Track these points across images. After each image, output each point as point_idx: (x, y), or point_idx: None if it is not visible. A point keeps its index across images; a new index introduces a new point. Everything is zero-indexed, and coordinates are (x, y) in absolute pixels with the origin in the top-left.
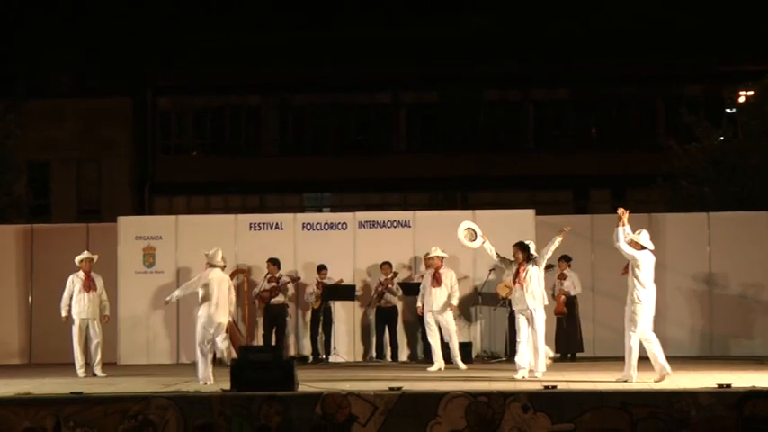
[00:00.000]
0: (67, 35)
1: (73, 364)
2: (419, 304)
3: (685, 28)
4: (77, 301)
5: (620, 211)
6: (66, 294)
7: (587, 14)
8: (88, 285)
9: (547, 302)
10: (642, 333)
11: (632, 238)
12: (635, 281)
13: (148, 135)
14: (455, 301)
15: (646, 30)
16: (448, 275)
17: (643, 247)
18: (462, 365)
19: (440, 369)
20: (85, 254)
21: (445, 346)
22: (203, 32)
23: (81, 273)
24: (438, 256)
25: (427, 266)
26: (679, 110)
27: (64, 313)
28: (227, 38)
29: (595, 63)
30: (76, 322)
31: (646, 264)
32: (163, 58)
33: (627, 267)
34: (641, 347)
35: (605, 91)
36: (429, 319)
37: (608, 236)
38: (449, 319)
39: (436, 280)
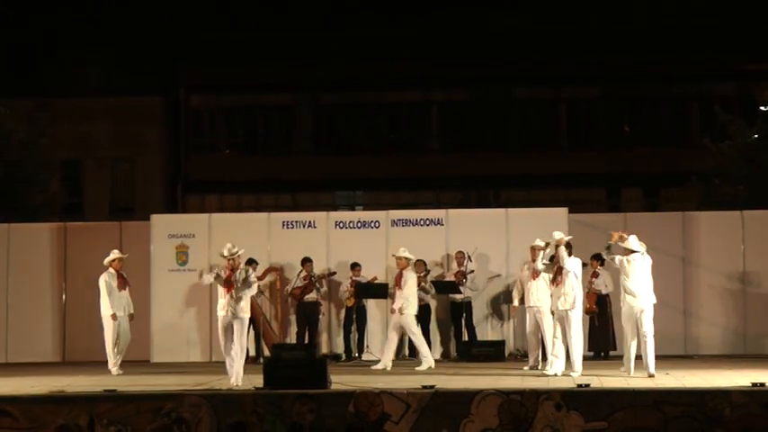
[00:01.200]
0: (98, 33)
1: (106, 362)
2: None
3: (715, 26)
4: (115, 299)
5: (615, 236)
6: (105, 294)
7: (619, 12)
8: (123, 283)
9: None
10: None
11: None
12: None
13: (181, 133)
14: (410, 310)
15: (678, 27)
16: (409, 279)
17: (633, 251)
18: (424, 367)
19: (385, 369)
20: (115, 253)
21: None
22: (236, 30)
23: (112, 271)
24: (403, 258)
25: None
26: (713, 108)
27: (112, 311)
28: (259, 35)
29: (628, 61)
30: (112, 320)
31: (633, 269)
32: (195, 56)
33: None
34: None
35: (638, 89)
36: (394, 319)
37: (641, 234)
38: (408, 320)
39: (398, 282)
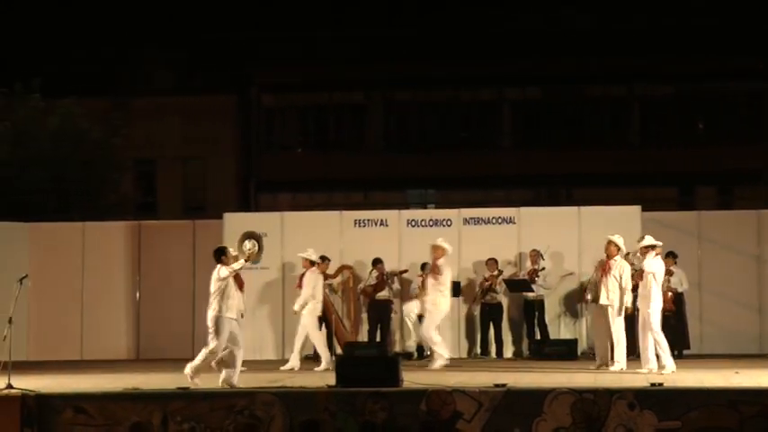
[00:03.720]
0: (172, 33)
1: (179, 360)
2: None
3: None
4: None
5: None
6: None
7: (695, 10)
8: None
9: (627, 302)
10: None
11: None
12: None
13: (253, 132)
14: (310, 310)
15: (750, 24)
16: (310, 280)
17: (652, 248)
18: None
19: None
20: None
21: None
22: (307, 29)
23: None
24: (304, 257)
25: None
26: None
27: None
28: (330, 34)
29: (700, 58)
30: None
31: (659, 273)
32: (267, 55)
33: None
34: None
35: (712, 86)
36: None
37: (715, 233)
38: (305, 321)
39: (299, 282)
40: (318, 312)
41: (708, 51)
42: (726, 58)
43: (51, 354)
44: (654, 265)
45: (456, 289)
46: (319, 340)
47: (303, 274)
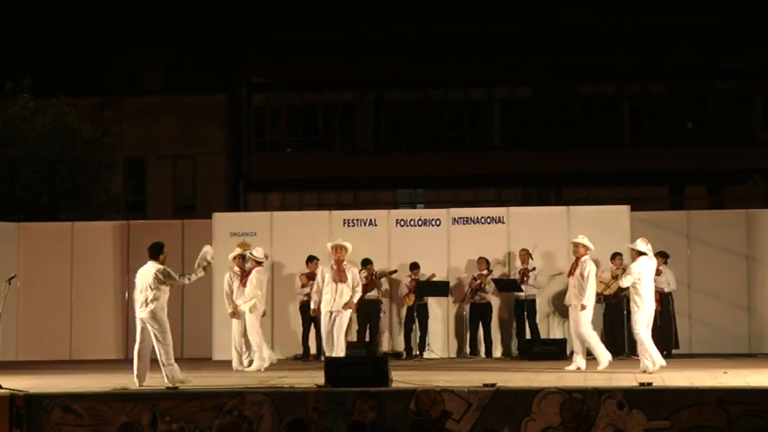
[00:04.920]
0: (163, 32)
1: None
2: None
3: None
4: (238, 297)
5: None
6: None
7: (683, 9)
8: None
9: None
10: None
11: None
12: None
13: (243, 132)
14: (253, 309)
15: (742, 24)
16: (254, 278)
17: (642, 254)
18: (254, 367)
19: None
20: (238, 250)
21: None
22: (297, 29)
23: (236, 268)
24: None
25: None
26: None
27: (231, 309)
28: (321, 34)
29: (691, 58)
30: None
31: (645, 274)
32: (257, 54)
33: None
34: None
35: (702, 86)
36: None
37: (704, 232)
38: (248, 320)
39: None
40: (261, 312)
41: (698, 51)
42: (716, 58)
43: (40, 353)
44: (640, 265)
45: (445, 288)
46: (258, 340)
47: (248, 272)
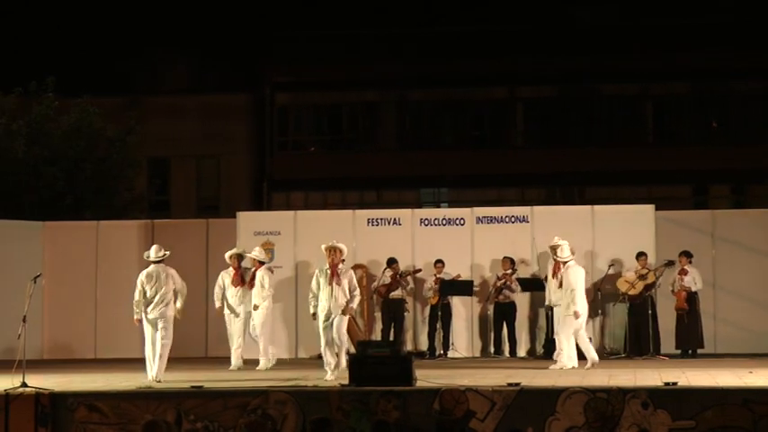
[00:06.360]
0: (185, 31)
1: (193, 359)
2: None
3: None
4: (229, 296)
5: None
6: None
7: (706, 7)
8: (238, 280)
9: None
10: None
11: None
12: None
13: (266, 131)
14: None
15: (764, 21)
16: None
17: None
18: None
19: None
20: (234, 249)
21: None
22: (321, 28)
23: (230, 269)
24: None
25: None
26: None
27: (218, 304)
28: (344, 33)
29: (716, 56)
30: (242, 317)
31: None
32: (281, 53)
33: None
34: None
35: (726, 85)
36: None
37: (729, 232)
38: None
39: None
40: (268, 310)
41: (722, 49)
42: (740, 56)
43: (65, 352)
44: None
45: (469, 288)
46: (267, 338)
47: (243, 272)
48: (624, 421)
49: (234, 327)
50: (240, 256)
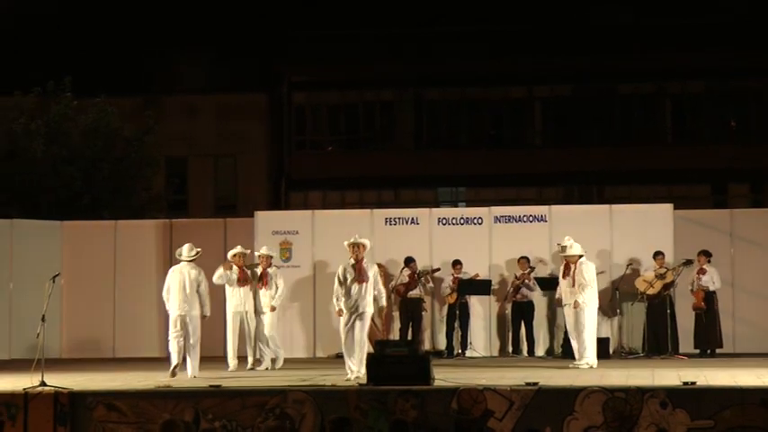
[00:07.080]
0: (202, 30)
1: (215, 358)
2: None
3: None
4: (233, 295)
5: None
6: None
7: (722, 5)
8: (243, 279)
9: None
10: None
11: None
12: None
13: (284, 130)
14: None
15: None
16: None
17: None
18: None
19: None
20: (239, 248)
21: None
22: (338, 27)
23: (234, 267)
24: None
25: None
26: None
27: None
28: (361, 33)
29: (734, 55)
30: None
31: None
32: (298, 53)
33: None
34: None
35: (744, 83)
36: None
37: (748, 231)
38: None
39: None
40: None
41: (740, 48)
42: (758, 55)
43: (84, 351)
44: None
45: (487, 287)
46: (278, 338)
47: (265, 272)
48: (642, 421)
49: (251, 327)
50: (244, 255)
